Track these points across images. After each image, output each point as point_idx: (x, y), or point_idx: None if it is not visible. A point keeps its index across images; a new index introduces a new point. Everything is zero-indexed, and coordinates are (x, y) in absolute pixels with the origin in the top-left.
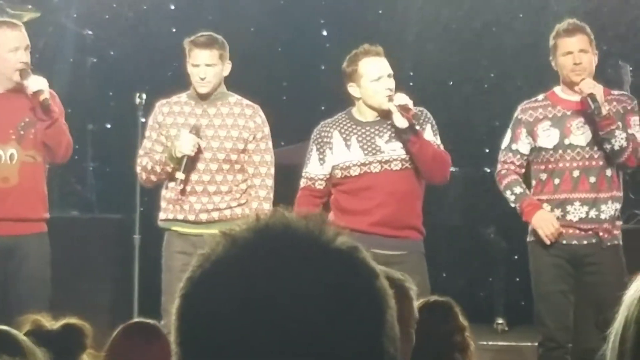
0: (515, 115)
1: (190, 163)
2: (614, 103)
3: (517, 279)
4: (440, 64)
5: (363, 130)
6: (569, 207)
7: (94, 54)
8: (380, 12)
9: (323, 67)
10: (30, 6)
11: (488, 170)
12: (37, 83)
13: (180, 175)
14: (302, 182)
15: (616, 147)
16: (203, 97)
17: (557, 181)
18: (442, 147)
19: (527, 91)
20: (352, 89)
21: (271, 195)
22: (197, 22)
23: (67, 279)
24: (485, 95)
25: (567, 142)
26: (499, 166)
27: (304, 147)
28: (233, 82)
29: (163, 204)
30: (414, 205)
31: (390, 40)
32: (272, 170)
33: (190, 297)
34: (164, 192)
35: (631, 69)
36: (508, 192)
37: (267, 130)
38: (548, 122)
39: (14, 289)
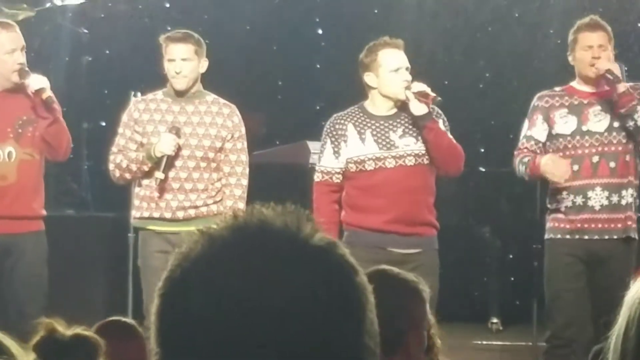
0: (532, 103)
1: (168, 160)
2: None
3: (512, 279)
4: (435, 63)
5: (377, 125)
6: (590, 193)
7: (90, 53)
8: (375, 11)
9: (318, 66)
10: (25, 5)
11: (483, 170)
12: (38, 81)
13: (159, 174)
14: (317, 177)
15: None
16: (180, 94)
17: (575, 167)
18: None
19: (522, 91)
20: (369, 78)
21: (245, 195)
22: (192, 21)
23: (62, 276)
24: (481, 95)
25: (584, 128)
26: (514, 154)
27: (299, 146)
28: (228, 81)
29: (136, 202)
30: (427, 201)
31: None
32: (247, 170)
33: (170, 297)
34: (137, 190)
35: (626, 69)
36: (520, 167)
37: (243, 130)
38: (565, 109)
39: (10, 287)
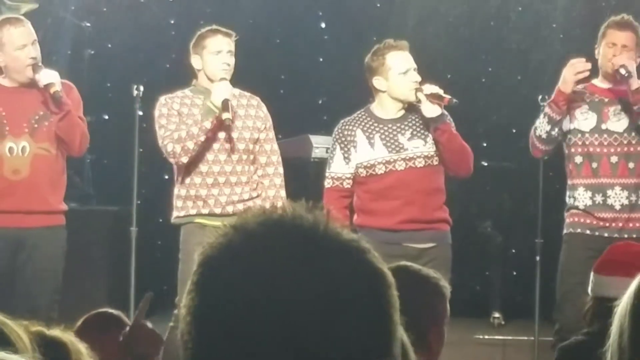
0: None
1: (212, 155)
2: None
3: (514, 273)
4: (438, 57)
5: (385, 128)
6: (609, 192)
7: (92, 46)
8: (378, 5)
9: (321, 60)
10: None
11: (486, 164)
12: (48, 76)
13: (227, 115)
14: (328, 183)
15: None
16: (208, 91)
17: (594, 165)
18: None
19: (525, 86)
20: (378, 82)
21: (284, 183)
22: (195, 14)
23: (64, 270)
24: (484, 89)
25: (604, 127)
26: (530, 136)
27: (301, 140)
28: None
29: (179, 203)
30: (438, 201)
31: (388, 33)
32: (281, 159)
33: (203, 286)
34: (177, 190)
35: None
36: (538, 124)
37: (271, 120)
38: (586, 105)
39: (22, 282)
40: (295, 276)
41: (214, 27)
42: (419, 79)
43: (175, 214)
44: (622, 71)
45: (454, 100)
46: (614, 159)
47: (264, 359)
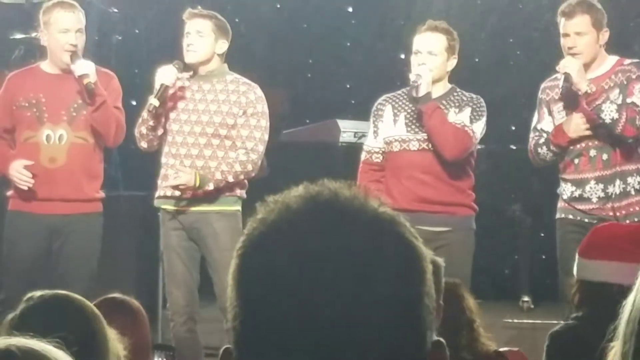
0: (538, 94)
1: (181, 137)
2: (619, 75)
3: (543, 257)
4: (466, 40)
5: (413, 109)
6: (587, 187)
7: (120, 32)
8: None
9: (348, 44)
10: None
11: (514, 148)
12: (82, 67)
13: (153, 100)
14: (362, 156)
15: (607, 120)
16: (196, 71)
17: (576, 161)
18: (472, 132)
19: (553, 68)
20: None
21: (249, 166)
22: (222, 0)
23: None
24: (512, 72)
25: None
26: (529, 146)
27: (329, 125)
28: (257, 59)
29: (158, 182)
30: (456, 184)
31: (416, 16)
32: (260, 149)
33: (248, 256)
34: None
35: None
36: (539, 150)
37: (260, 108)
38: (562, 103)
39: (57, 268)
40: (330, 249)
41: (188, 10)
42: (425, 61)
43: (155, 193)
44: (562, 81)
45: (415, 85)
46: (592, 152)
47: (301, 325)
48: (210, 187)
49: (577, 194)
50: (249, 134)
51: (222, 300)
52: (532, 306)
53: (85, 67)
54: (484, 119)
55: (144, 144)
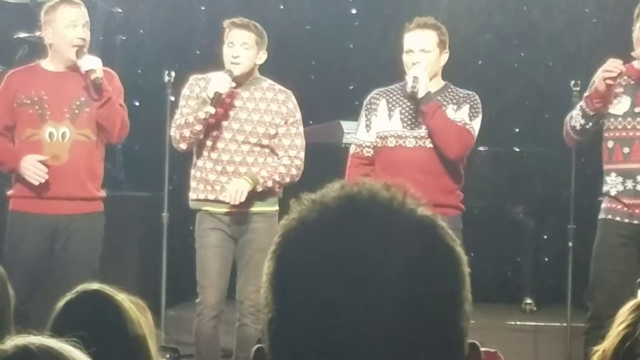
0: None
1: (223, 144)
2: None
3: (546, 259)
4: (470, 42)
5: (408, 104)
6: (639, 178)
7: (124, 32)
8: None
9: (351, 46)
10: None
11: (518, 150)
12: (89, 62)
13: (210, 108)
14: (352, 149)
15: None
16: (236, 80)
17: (626, 150)
18: (472, 130)
19: (557, 71)
20: (403, 58)
21: (292, 172)
22: (226, 1)
23: None
24: (516, 75)
25: (637, 110)
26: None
27: (332, 126)
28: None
29: (193, 184)
30: (447, 184)
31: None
32: (302, 155)
33: (285, 258)
34: (192, 171)
35: None
36: (572, 115)
37: (298, 115)
38: (621, 88)
39: (59, 267)
40: (367, 250)
41: (239, 19)
42: (419, 59)
43: (189, 195)
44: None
45: (414, 90)
46: None
47: (338, 327)
48: (259, 188)
49: (626, 186)
50: (291, 143)
51: (241, 293)
52: (535, 309)
53: (92, 63)
54: (481, 115)
55: (183, 146)
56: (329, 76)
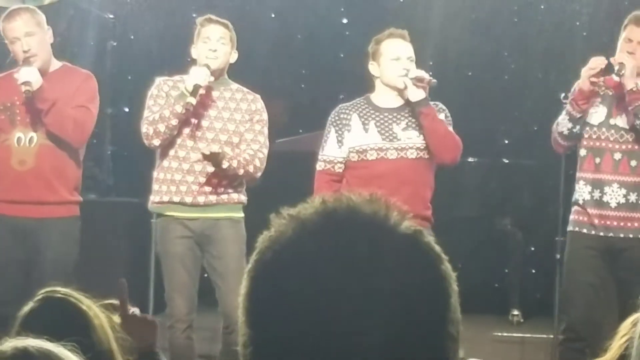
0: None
1: (192, 142)
2: None
3: (533, 271)
4: (460, 53)
5: (381, 116)
6: (606, 189)
7: (114, 38)
8: (401, 0)
9: (342, 55)
10: None
11: (506, 162)
12: (24, 74)
13: (191, 99)
14: (320, 166)
15: None
16: (212, 75)
17: (597, 160)
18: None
19: (547, 83)
20: (372, 67)
21: (257, 164)
22: (217, 7)
23: (84, 261)
24: (505, 86)
25: (612, 122)
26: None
27: (321, 135)
28: (252, 69)
29: (155, 187)
30: (424, 195)
31: (411, 29)
32: (264, 153)
33: (261, 279)
34: (155, 173)
35: None
36: (560, 120)
37: (264, 116)
38: (599, 98)
39: (33, 272)
40: (345, 271)
41: (208, 16)
42: (409, 67)
43: (151, 198)
44: (620, 70)
45: (433, 80)
46: (617, 155)
47: (314, 352)
48: (225, 164)
49: (593, 196)
50: (253, 138)
51: (225, 304)
52: (522, 320)
53: (27, 75)
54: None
55: (156, 142)
56: (319, 85)
